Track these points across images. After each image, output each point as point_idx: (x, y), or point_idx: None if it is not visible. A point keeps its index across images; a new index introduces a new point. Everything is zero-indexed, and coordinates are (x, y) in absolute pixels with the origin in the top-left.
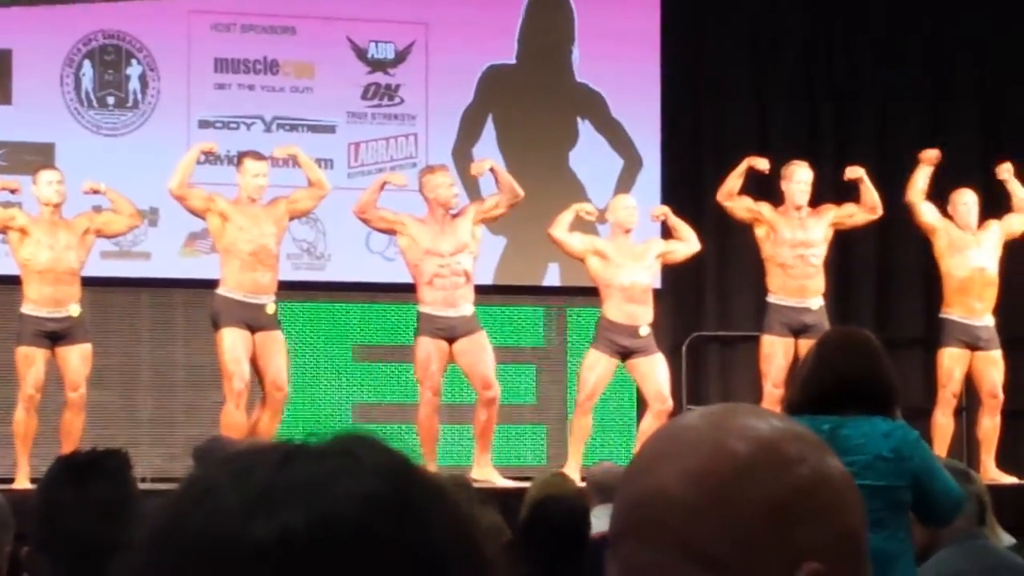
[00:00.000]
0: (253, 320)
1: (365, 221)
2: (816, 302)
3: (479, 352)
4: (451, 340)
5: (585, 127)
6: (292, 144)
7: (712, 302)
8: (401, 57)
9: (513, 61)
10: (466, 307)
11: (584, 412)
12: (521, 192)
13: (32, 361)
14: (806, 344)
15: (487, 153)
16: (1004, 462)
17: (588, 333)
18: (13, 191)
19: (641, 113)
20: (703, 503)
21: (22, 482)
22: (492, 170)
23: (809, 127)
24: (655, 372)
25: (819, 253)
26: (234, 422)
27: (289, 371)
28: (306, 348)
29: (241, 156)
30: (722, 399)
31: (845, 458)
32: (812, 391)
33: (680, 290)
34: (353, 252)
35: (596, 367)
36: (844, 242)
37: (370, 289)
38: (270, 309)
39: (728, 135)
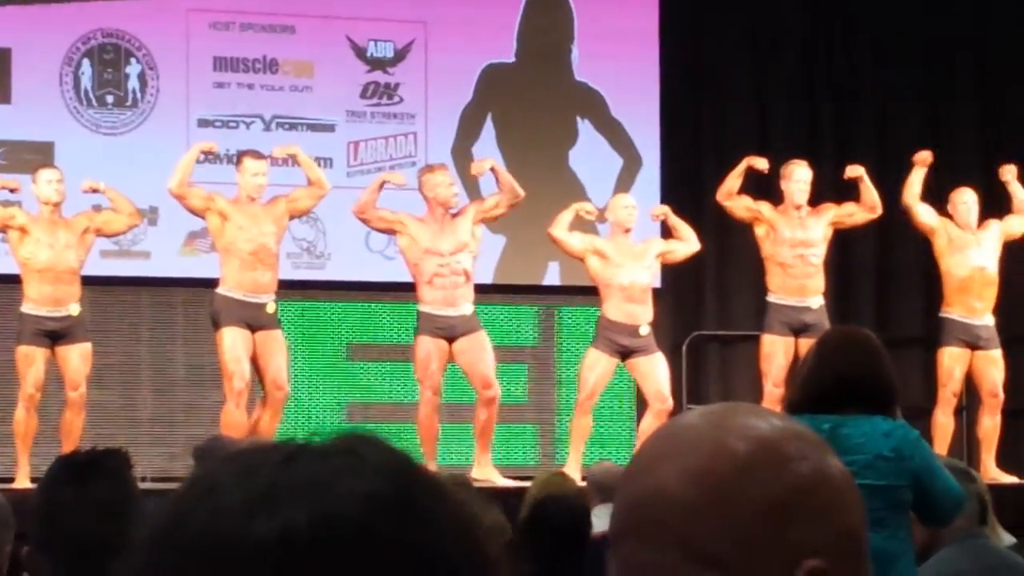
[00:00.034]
0: (253, 319)
1: (365, 221)
2: (816, 301)
3: (479, 351)
4: (451, 339)
5: (585, 126)
6: (292, 143)
7: (712, 301)
8: (400, 56)
9: (512, 60)
10: (466, 306)
11: (584, 412)
12: (522, 192)
13: (32, 360)
14: (806, 343)
15: (486, 152)
16: (1004, 461)
17: (578, 332)
18: (13, 190)
19: (640, 112)
20: (703, 502)
21: (22, 481)
22: (493, 170)
23: (809, 127)
24: (655, 371)
25: (819, 252)
26: (234, 421)
27: (289, 370)
28: (305, 347)
29: (240, 155)
30: (722, 398)
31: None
32: (812, 390)
33: (680, 289)
34: (353, 251)
35: (596, 366)
36: (844, 241)
37: (370, 288)
38: (270, 308)
39: (728, 134)
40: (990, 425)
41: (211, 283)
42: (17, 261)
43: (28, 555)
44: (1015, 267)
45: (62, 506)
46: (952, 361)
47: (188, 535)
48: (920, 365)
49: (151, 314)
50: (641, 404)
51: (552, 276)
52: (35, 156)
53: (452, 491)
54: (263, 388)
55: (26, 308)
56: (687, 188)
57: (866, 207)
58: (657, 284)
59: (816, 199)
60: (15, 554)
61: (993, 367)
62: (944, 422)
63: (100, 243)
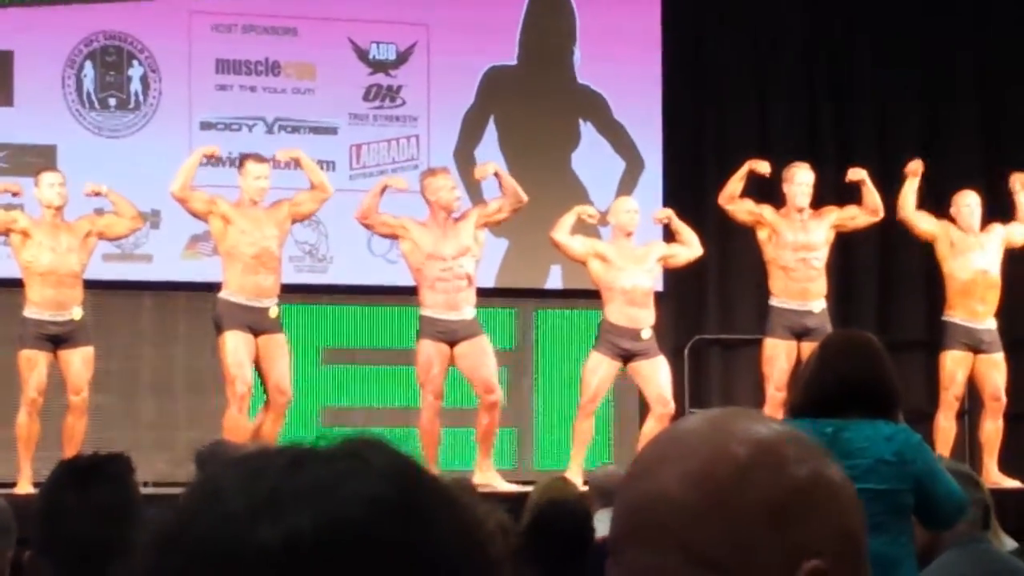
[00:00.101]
0: (256, 323)
1: (368, 226)
2: (818, 305)
3: (480, 356)
4: (452, 343)
5: (587, 129)
6: (295, 147)
7: (714, 305)
8: (403, 58)
9: (514, 62)
10: (468, 310)
11: (586, 415)
12: (525, 197)
13: (34, 364)
14: (808, 347)
15: (488, 155)
16: (1006, 465)
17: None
18: (15, 193)
19: (643, 115)
20: (704, 505)
21: (24, 486)
22: (496, 174)
23: (810, 128)
24: (657, 375)
25: (821, 256)
26: (237, 426)
27: (291, 374)
28: (304, 350)
29: (243, 158)
30: (724, 402)
31: (847, 461)
32: (814, 394)
33: (682, 293)
34: (355, 255)
35: (598, 370)
36: (846, 244)
37: (373, 292)
38: (273, 312)
39: (729, 137)
40: (992, 429)
41: (213, 287)
42: (19, 265)
43: (30, 559)
44: (1017, 270)
45: (64, 510)
46: (954, 364)
47: (192, 539)
48: (922, 369)
49: (153, 318)
50: (643, 408)
51: (554, 280)
52: (37, 159)
53: (456, 495)
54: (266, 392)
55: (28, 312)
56: (689, 191)
57: (868, 210)
58: (659, 288)
59: (818, 202)
60: (17, 558)
61: (995, 371)
62: (946, 426)
63: (102, 246)
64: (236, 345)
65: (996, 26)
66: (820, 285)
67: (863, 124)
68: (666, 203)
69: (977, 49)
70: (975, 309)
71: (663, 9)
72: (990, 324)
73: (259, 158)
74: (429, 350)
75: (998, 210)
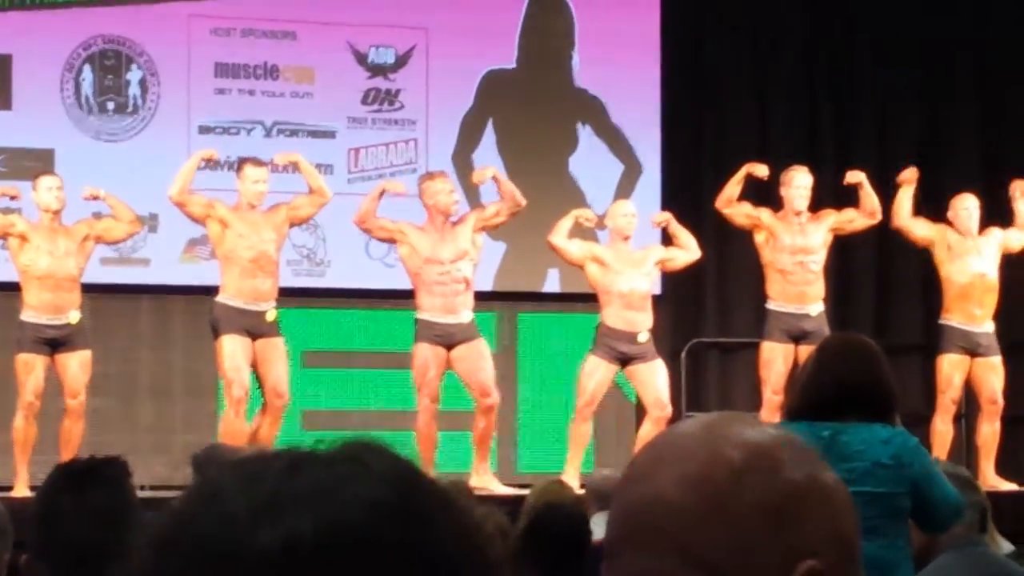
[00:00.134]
0: (253, 327)
1: (366, 231)
2: (816, 308)
3: (477, 359)
4: (449, 347)
5: (585, 132)
6: (293, 151)
7: (712, 308)
8: (401, 62)
9: (513, 66)
10: (465, 314)
11: (583, 419)
12: (523, 201)
13: (32, 368)
14: (806, 350)
15: (487, 158)
16: (1003, 469)
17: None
18: (13, 197)
19: (641, 118)
20: (701, 509)
21: (21, 489)
22: (494, 178)
23: (809, 129)
24: (654, 379)
25: (819, 259)
26: (234, 429)
27: (289, 378)
28: (302, 354)
29: (241, 162)
30: (722, 406)
31: (844, 464)
32: (812, 397)
33: (680, 296)
34: (353, 258)
35: (595, 373)
36: (844, 248)
37: (371, 295)
38: (270, 316)
39: (728, 140)
40: (989, 432)
41: (211, 290)
42: (17, 268)
43: (27, 563)
44: (1015, 273)
45: (61, 514)
46: (951, 368)
47: (192, 542)
48: (919, 372)
49: (151, 321)
50: (640, 411)
51: (552, 283)
52: (35, 163)
53: (455, 498)
54: (263, 396)
55: (26, 316)
56: (687, 194)
57: (866, 213)
58: (657, 291)
59: (816, 204)
60: (13, 562)
61: (992, 374)
62: (943, 429)
63: (100, 250)
64: (233, 349)
65: (996, 26)
66: (818, 288)
67: (862, 125)
68: (664, 206)
69: (977, 49)
70: (972, 313)
71: (662, 12)
72: (987, 328)
73: (257, 162)
74: (426, 353)
75: (996, 212)
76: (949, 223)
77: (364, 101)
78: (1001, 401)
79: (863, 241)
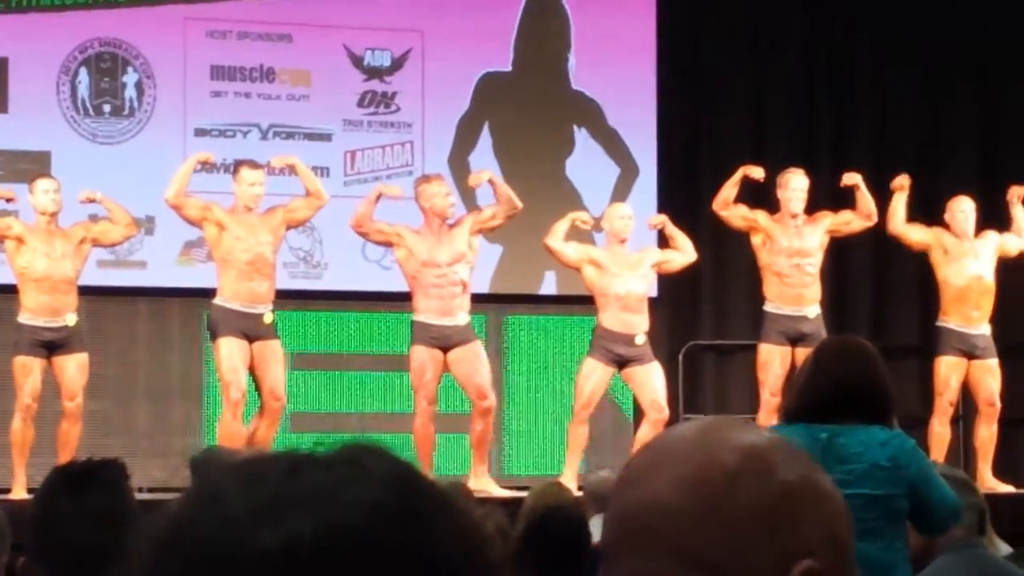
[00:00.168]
0: (251, 330)
1: (362, 235)
2: (813, 310)
3: (474, 362)
4: (446, 349)
5: (581, 135)
6: (290, 154)
7: (708, 311)
8: (397, 65)
9: (509, 69)
10: (461, 316)
11: (580, 421)
12: (519, 204)
13: (29, 371)
14: (803, 353)
15: (483, 161)
16: (1001, 471)
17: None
18: (9, 200)
19: (637, 121)
20: (697, 511)
21: (19, 492)
22: (491, 181)
23: (807, 130)
24: (651, 381)
25: (815, 262)
26: (231, 432)
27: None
28: (300, 356)
29: (237, 165)
30: (719, 408)
31: (842, 467)
32: (809, 399)
33: (676, 299)
34: (350, 261)
35: (592, 376)
36: (841, 250)
37: (367, 298)
38: (267, 318)
39: (724, 143)
40: (987, 434)
41: (208, 293)
42: (14, 271)
43: (24, 565)
44: (1012, 276)
45: (58, 516)
46: (949, 370)
47: (192, 544)
48: (916, 374)
49: (148, 324)
50: (638, 414)
51: (548, 286)
52: (32, 166)
53: (455, 500)
54: (260, 398)
55: (23, 318)
56: (683, 197)
57: (862, 215)
58: (653, 293)
59: (812, 207)
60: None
61: (990, 376)
62: (940, 431)
63: (96, 253)
64: (231, 351)
65: (996, 26)
66: (815, 291)
67: (860, 126)
68: (660, 209)
69: (977, 49)
70: (969, 315)
71: (658, 14)
72: (984, 330)
73: (254, 164)
74: (423, 356)
75: (993, 215)
76: (946, 225)
77: (360, 104)
78: (998, 403)
79: (860, 243)
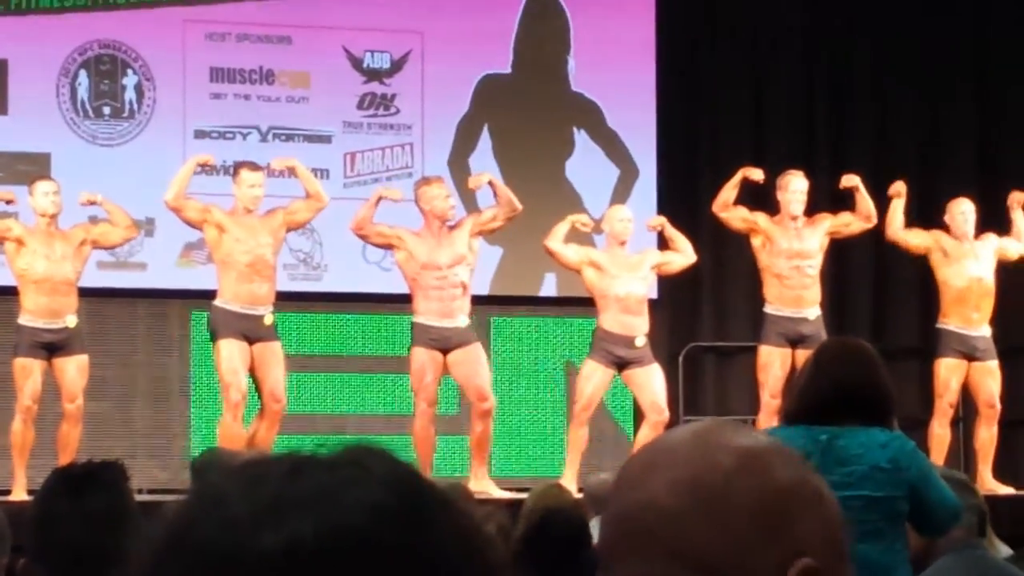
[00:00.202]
0: (251, 331)
1: (363, 237)
2: (813, 312)
3: (474, 364)
4: (445, 351)
5: (581, 137)
6: (290, 156)
7: (708, 312)
8: (397, 67)
9: (508, 71)
10: (461, 318)
11: (580, 423)
12: (519, 206)
13: (29, 372)
14: (803, 354)
15: (483, 163)
16: (1001, 472)
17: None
18: (9, 202)
19: (637, 122)
20: (694, 513)
21: (19, 494)
22: (490, 183)
23: (807, 129)
24: (651, 383)
25: (815, 264)
26: (231, 433)
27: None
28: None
29: (237, 167)
30: (719, 410)
31: (842, 468)
32: (809, 400)
33: (676, 300)
34: (350, 262)
35: (592, 378)
36: (840, 251)
37: (367, 300)
38: (268, 320)
39: (724, 144)
40: (987, 436)
41: (208, 295)
42: (14, 273)
43: (24, 567)
44: (1012, 278)
45: (58, 518)
46: (949, 372)
47: (194, 546)
48: (917, 376)
49: (148, 325)
50: (638, 415)
51: (548, 288)
52: (31, 167)
53: (456, 501)
54: (260, 400)
55: (23, 320)
56: (683, 199)
57: (862, 216)
58: (653, 295)
59: (812, 208)
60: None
61: (990, 378)
62: (940, 433)
63: (97, 255)
64: (231, 353)
65: (996, 26)
66: (814, 292)
67: (860, 127)
68: (660, 211)
69: (977, 49)
70: (969, 316)
71: (657, 15)
72: (984, 331)
73: (253, 166)
74: (423, 358)
75: (993, 216)
76: (945, 227)
77: (360, 106)
78: (998, 405)
79: (860, 245)
